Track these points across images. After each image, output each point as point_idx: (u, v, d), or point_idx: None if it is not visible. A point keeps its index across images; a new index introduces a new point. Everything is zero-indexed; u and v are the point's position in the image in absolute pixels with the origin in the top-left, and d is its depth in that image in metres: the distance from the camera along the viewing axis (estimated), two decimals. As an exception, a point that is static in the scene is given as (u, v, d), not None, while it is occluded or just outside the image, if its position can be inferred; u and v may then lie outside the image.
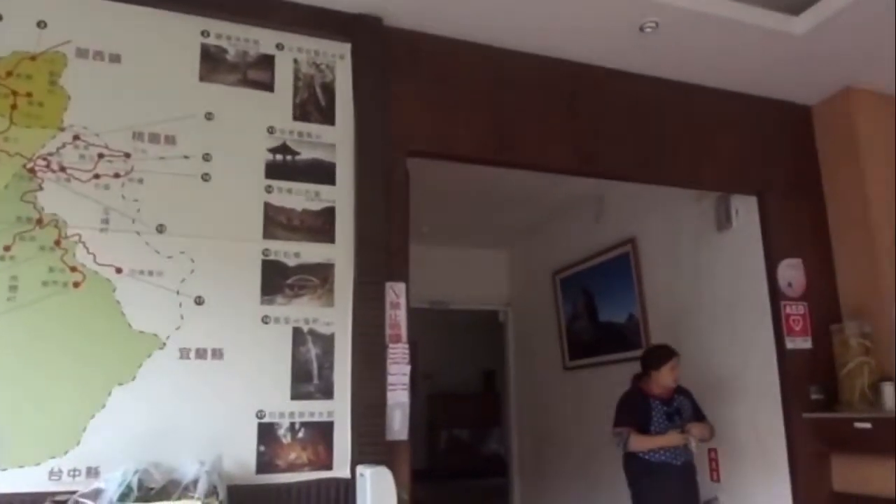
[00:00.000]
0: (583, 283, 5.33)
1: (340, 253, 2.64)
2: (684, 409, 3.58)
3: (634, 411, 3.54)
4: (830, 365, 3.54)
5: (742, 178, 3.70)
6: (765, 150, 3.75)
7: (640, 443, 3.44)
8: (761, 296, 3.67)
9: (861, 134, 3.67)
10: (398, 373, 2.63)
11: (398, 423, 2.60)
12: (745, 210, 3.85)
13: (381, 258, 2.68)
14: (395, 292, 2.71)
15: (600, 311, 5.10)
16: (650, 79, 3.51)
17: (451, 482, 9.38)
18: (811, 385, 3.54)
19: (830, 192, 3.80)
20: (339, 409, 2.53)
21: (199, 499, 1.88)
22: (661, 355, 3.59)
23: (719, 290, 4.02)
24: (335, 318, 2.58)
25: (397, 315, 2.69)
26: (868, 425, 3.22)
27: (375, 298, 2.65)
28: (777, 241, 3.66)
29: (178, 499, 1.91)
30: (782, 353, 3.54)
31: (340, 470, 2.48)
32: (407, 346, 2.68)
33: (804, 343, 3.59)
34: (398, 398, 2.61)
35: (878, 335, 3.46)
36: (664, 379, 3.54)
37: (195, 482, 1.93)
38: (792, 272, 3.65)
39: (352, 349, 2.58)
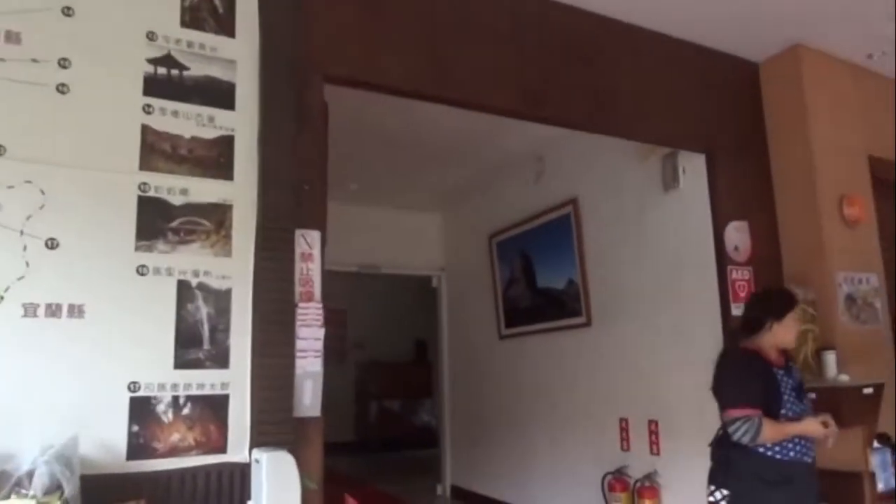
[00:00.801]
0: (521, 247, 5.03)
1: (240, 192, 2.19)
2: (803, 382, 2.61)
3: (761, 385, 2.38)
4: (776, 333, 3.36)
5: (691, 135, 3.46)
6: (714, 106, 3.52)
7: (774, 432, 2.31)
8: (707, 260, 3.46)
9: (808, 94, 3.48)
10: (310, 337, 2.22)
11: (309, 397, 2.21)
12: (692, 170, 3.61)
13: (290, 200, 2.24)
14: (308, 242, 2.29)
15: (539, 277, 4.82)
16: (600, 17, 3.19)
17: (381, 454, 9.08)
18: (755, 354, 3.37)
19: (776, 153, 3.61)
20: (235, 381, 2.10)
21: (33, 497, 1.44)
22: (786, 301, 2.54)
23: (663, 253, 3.78)
24: (233, 271, 2.14)
25: (309, 269, 2.27)
26: (812, 396, 3.06)
27: (283, 248, 2.22)
28: (724, 203, 3.44)
29: (6, 497, 1.45)
30: (727, 320, 3.34)
31: (236, 453, 2.06)
32: (321, 306, 2.28)
33: (749, 310, 3.40)
34: (309, 367, 2.21)
35: (821, 303, 3.30)
36: (786, 335, 2.50)
37: (30, 474, 1.48)
38: (739, 235, 3.43)
39: (253, 308, 2.14)
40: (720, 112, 3.53)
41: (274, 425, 2.11)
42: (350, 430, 9.89)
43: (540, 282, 4.80)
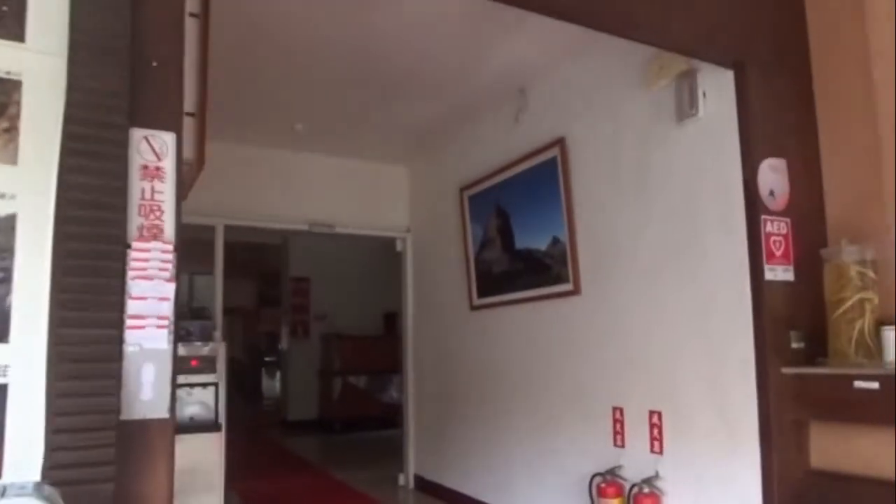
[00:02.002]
0: (497, 201, 4.24)
1: (37, 63, 1.36)
2: None
3: None
4: (817, 303, 2.62)
5: (717, 43, 2.66)
6: (747, 6, 2.72)
7: None
8: (731, 208, 2.71)
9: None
10: (151, 296, 1.42)
11: (150, 389, 1.41)
12: (716, 93, 2.84)
13: (123, 80, 1.42)
14: (156, 149, 1.47)
15: (517, 236, 4.04)
16: None
17: (344, 435, 8.37)
18: (791, 330, 2.63)
19: (822, 70, 2.81)
20: (19, 362, 1.30)
21: None
22: None
23: (674, 202, 3.01)
24: (19, 187, 1.33)
25: (156, 191, 1.46)
26: (874, 385, 2.33)
27: (109, 156, 1.40)
28: (758, 134, 2.66)
29: None
30: (758, 286, 2.59)
31: (17, 478, 1.27)
32: (172, 248, 1.47)
33: (785, 273, 2.65)
34: (149, 342, 1.41)
35: (881, 265, 2.55)
36: None
37: None
38: (775, 177, 2.67)
39: (54, 248, 1.34)
40: (755, 14, 2.73)
41: (87, 434, 1.32)
42: (313, 408, 9.16)
43: (519, 242, 4.02)
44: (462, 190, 4.61)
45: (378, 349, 8.94)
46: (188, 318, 4.29)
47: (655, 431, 2.99)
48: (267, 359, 12.91)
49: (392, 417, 8.16)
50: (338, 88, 4.02)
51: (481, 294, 4.46)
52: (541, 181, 3.77)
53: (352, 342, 9.00)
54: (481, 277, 4.45)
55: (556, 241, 3.66)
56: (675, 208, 3.01)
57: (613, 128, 3.34)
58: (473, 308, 4.54)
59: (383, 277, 8.20)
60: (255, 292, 15.20)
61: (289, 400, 9.34)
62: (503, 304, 4.18)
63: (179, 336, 3.57)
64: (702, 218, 2.88)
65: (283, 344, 9.71)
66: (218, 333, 4.26)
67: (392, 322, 9.26)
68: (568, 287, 3.56)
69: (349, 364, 8.90)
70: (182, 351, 3.98)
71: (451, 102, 4.24)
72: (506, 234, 4.15)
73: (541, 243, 3.79)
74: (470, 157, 4.61)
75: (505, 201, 4.16)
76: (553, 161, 3.66)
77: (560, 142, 3.60)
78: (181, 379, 4.00)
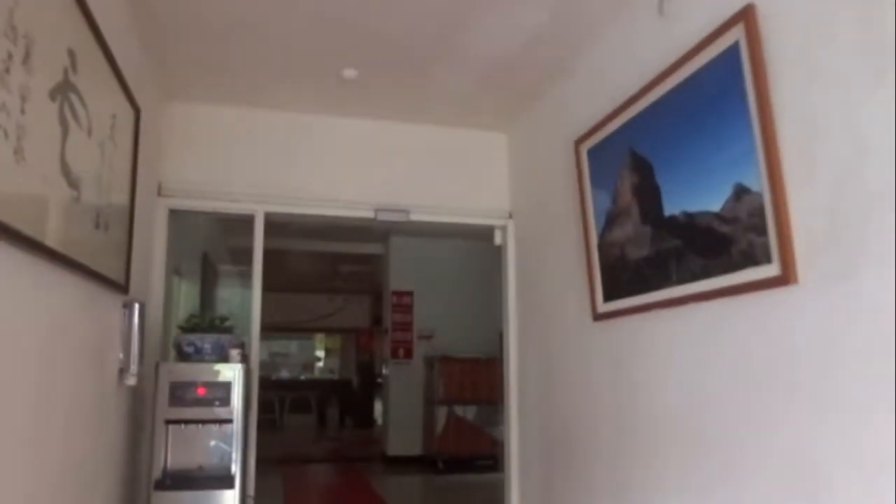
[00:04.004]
0: (630, 146, 2.72)
1: None
2: None
3: None
4: None
5: None
6: None
7: None
8: None
9: None
10: None
11: None
12: None
13: None
14: None
15: (667, 195, 2.49)
16: None
17: (447, 475, 7.01)
18: None
19: None
20: None
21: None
22: None
23: None
24: None
25: None
26: None
27: None
28: None
29: None
30: None
31: None
32: None
33: None
34: None
35: None
36: None
37: None
38: None
39: None
40: None
41: None
42: (416, 441, 7.88)
43: (670, 204, 2.47)
44: (578, 143, 3.12)
45: (489, 374, 7.47)
46: (202, 329, 3.13)
47: None
48: (379, 380, 11.98)
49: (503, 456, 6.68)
50: (398, 12, 2.73)
51: (609, 296, 2.92)
52: (706, 95, 2.22)
53: (459, 365, 7.65)
54: (609, 270, 2.92)
55: (741, 192, 2.08)
56: None
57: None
58: (597, 317, 3.01)
59: (499, 287, 6.79)
60: (368, 310, 14.42)
61: (389, 431, 8.13)
62: (644, 308, 2.63)
63: (181, 353, 2.26)
64: None
65: (384, 367, 8.57)
66: (236, 353, 3.06)
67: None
68: (770, 271, 1.96)
69: (455, 391, 7.55)
70: (184, 373, 2.82)
71: (558, 7, 2.80)
72: (647, 194, 2.61)
73: (712, 200, 2.21)
74: (587, 91, 3.13)
75: (644, 144, 2.63)
76: (731, 53, 2.09)
77: (746, 14, 2.04)
78: (182, 413, 2.84)
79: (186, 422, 2.86)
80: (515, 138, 4.16)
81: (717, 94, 2.17)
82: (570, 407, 3.32)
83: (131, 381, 2.72)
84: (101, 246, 2.41)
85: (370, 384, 12.95)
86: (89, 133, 2.14)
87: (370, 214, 3.94)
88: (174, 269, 4.16)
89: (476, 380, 7.63)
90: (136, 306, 2.74)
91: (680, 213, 2.40)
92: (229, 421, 2.90)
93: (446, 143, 4.14)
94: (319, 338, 16.31)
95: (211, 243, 6.21)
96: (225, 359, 3.04)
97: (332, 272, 10.88)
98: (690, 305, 2.33)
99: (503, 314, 4.20)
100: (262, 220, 3.73)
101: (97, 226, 2.33)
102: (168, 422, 2.84)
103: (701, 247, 2.28)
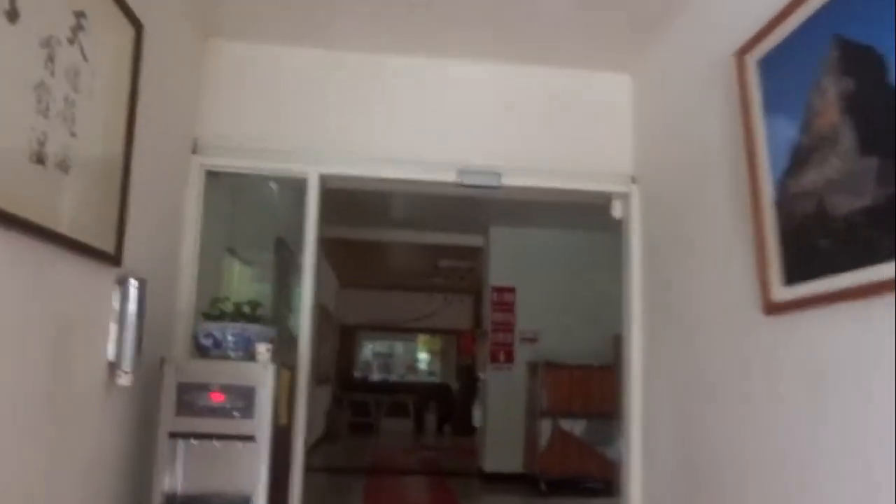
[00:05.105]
0: (840, 32, 1.71)
1: None
2: None
3: None
4: None
5: None
6: None
7: None
8: None
9: None
10: None
11: None
12: None
13: None
14: None
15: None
16: None
17: (550, 498, 6.07)
18: None
19: None
20: None
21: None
22: None
23: None
24: None
25: None
26: None
27: None
28: None
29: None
30: None
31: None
32: None
33: None
34: None
35: None
36: None
37: None
38: None
39: None
40: None
41: None
42: (516, 457, 6.97)
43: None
44: (740, 54, 2.13)
45: (602, 384, 6.43)
46: (229, 318, 2.44)
47: None
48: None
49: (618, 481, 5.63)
50: None
51: (795, 276, 1.91)
52: None
53: (566, 373, 6.68)
54: (794, 236, 1.91)
55: None
56: None
57: None
58: (772, 309, 2.00)
59: (616, 284, 5.72)
60: (470, 312, 13.61)
61: (486, 443, 7.27)
62: (864, 292, 1.62)
63: (199, 347, 1.53)
64: None
65: (482, 372, 7.72)
66: (265, 349, 2.32)
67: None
68: None
69: (561, 402, 6.57)
70: (197, 373, 2.13)
71: None
72: (871, 106, 1.60)
73: None
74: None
75: (865, 24, 1.62)
76: None
77: None
78: (191, 425, 2.15)
79: (195, 436, 2.16)
80: (643, 79, 3.18)
81: None
82: (723, 435, 2.32)
83: (124, 380, 2.06)
84: (65, 196, 1.76)
85: (471, 390, 12.21)
86: (11, 18, 1.48)
87: (452, 178, 3.12)
88: (227, 249, 3.55)
89: (586, 390, 6.64)
90: (132, 283, 2.08)
91: (952, 120, 1.38)
92: (250, 438, 2.17)
93: (550, 88, 3.25)
94: (423, 339, 15.80)
95: (288, 227, 5.66)
96: (252, 356, 2.32)
97: (431, 267, 10.21)
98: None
99: (623, 309, 3.24)
100: (316, 182, 3.01)
101: (51, 164, 1.67)
102: (172, 435, 2.15)
103: None
